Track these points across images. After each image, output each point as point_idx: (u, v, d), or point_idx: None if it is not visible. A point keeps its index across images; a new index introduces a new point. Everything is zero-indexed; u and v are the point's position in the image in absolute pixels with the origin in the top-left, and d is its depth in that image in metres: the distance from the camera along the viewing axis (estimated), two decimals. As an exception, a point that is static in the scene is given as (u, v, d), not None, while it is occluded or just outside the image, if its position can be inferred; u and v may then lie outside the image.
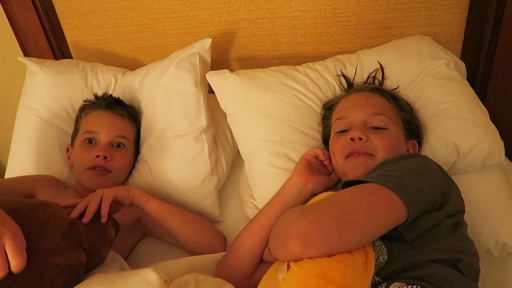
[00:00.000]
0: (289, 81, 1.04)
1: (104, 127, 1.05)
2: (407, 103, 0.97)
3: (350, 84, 1.04)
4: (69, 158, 1.12)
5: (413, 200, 0.65)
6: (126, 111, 1.09)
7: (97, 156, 1.01)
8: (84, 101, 1.12)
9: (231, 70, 1.10)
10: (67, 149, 1.13)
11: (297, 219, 0.61)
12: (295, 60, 1.24)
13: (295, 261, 0.61)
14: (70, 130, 1.16)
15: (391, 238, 0.69)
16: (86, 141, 1.05)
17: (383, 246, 0.69)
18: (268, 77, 1.05)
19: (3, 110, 1.56)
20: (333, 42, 1.21)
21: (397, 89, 1.00)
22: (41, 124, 1.17)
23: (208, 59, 1.13)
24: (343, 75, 1.05)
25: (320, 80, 1.06)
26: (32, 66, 1.20)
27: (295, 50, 1.25)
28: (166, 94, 1.09)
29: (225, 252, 0.92)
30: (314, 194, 0.90)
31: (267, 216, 0.88)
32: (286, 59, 1.26)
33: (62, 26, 1.35)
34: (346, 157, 0.86)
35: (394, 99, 0.94)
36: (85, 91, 1.19)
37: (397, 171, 0.71)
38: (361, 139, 0.84)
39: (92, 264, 0.75)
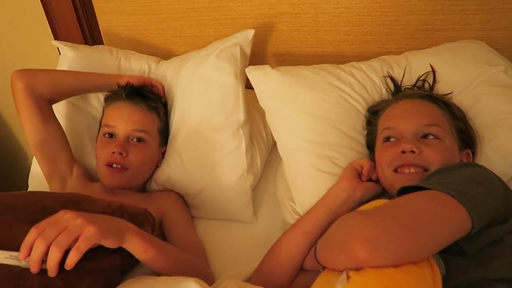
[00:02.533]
0: (334, 80, 1.00)
1: (122, 121, 1.01)
2: (461, 111, 0.92)
3: (398, 87, 1.00)
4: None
5: (477, 209, 0.62)
6: (145, 103, 1.04)
7: (114, 152, 0.97)
8: (108, 91, 1.10)
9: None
10: (97, 138, 1.10)
11: (363, 222, 0.58)
12: (336, 58, 1.20)
13: (356, 270, 0.57)
14: (100, 116, 1.13)
15: (447, 251, 0.65)
16: (106, 135, 1.02)
17: (440, 260, 0.66)
18: (312, 75, 1.01)
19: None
20: (378, 42, 1.17)
21: (450, 95, 0.96)
22: (71, 110, 1.14)
23: (248, 52, 1.10)
24: (391, 77, 1.01)
25: (366, 81, 1.02)
26: (66, 50, 1.18)
27: (336, 48, 1.21)
28: (204, 85, 1.05)
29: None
30: (361, 203, 0.87)
31: (311, 222, 0.85)
32: (326, 57, 1.23)
33: (95, 11, 1.33)
34: (395, 170, 0.83)
35: (447, 106, 0.90)
36: None
37: (456, 179, 0.68)
38: (413, 152, 0.81)
39: (129, 266, 0.72)
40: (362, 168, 0.90)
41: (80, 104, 1.16)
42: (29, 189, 1.16)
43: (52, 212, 0.64)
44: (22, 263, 0.61)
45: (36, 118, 1.00)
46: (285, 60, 1.26)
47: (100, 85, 1.10)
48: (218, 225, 1.07)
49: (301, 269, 0.86)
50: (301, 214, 0.93)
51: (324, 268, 0.72)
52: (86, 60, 1.16)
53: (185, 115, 1.07)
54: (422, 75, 1.00)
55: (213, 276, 0.88)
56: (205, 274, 0.85)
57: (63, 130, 1.06)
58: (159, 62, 1.23)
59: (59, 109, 1.14)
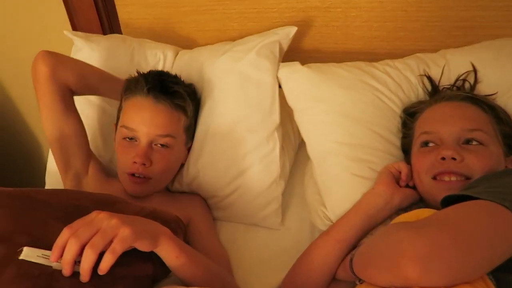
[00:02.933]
0: (369, 79, 0.95)
1: (144, 124, 0.89)
2: (506, 114, 0.87)
3: (436, 87, 0.95)
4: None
5: None
6: (171, 101, 0.91)
7: (135, 162, 0.89)
8: (127, 79, 0.98)
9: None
10: (115, 126, 1.00)
11: (413, 238, 0.54)
12: (365, 56, 1.14)
13: None
14: (112, 110, 1.08)
15: (499, 268, 0.60)
16: (126, 138, 0.92)
17: (491, 276, 0.61)
18: (344, 73, 0.96)
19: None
20: (412, 39, 1.11)
21: (494, 96, 0.91)
22: (82, 103, 1.08)
23: (285, 49, 1.05)
24: (428, 77, 0.96)
25: (402, 80, 0.97)
26: (78, 41, 1.14)
27: (367, 44, 1.16)
28: (242, 82, 0.99)
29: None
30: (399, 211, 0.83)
31: (346, 229, 0.80)
32: (355, 54, 1.17)
33: (115, 3, 1.29)
34: (434, 177, 0.78)
35: (491, 109, 0.85)
36: (131, 68, 1.07)
37: (508, 188, 0.63)
38: (454, 159, 0.76)
39: (160, 275, 0.68)
40: (399, 172, 0.85)
41: (93, 99, 1.10)
42: (46, 187, 1.13)
43: (86, 212, 0.61)
44: (54, 264, 0.58)
45: (58, 107, 0.92)
46: (311, 56, 1.21)
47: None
48: (243, 229, 1.02)
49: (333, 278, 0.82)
50: (333, 221, 0.88)
51: (361, 280, 0.68)
52: (98, 51, 1.11)
53: (216, 111, 1.01)
54: (462, 74, 0.94)
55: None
56: (231, 287, 0.81)
57: (83, 126, 0.99)
58: (177, 52, 1.17)
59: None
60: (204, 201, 1.04)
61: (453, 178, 0.76)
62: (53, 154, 0.98)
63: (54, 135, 0.95)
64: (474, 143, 0.78)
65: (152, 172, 0.91)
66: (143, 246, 0.61)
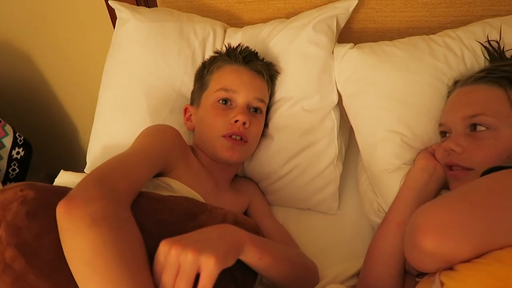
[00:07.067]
0: (425, 57, 0.90)
1: (244, 85, 0.93)
2: None
3: (500, 53, 0.86)
4: (188, 119, 1.01)
5: None
6: (266, 68, 0.98)
7: (236, 121, 0.90)
8: (215, 52, 1.02)
9: (346, 37, 0.99)
10: (186, 109, 1.03)
11: (426, 210, 0.55)
12: (428, 24, 1.08)
13: (447, 271, 0.54)
14: (162, 86, 1.06)
15: None
16: (221, 101, 0.93)
17: None
18: (398, 52, 0.92)
19: (91, 67, 1.52)
20: (484, 2, 1.02)
21: None
22: (130, 79, 1.06)
23: (342, 25, 1.02)
24: (489, 42, 0.88)
25: (465, 52, 0.90)
26: (123, 12, 1.10)
27: (429, 11, 1.08)
28: (301, 61, 1.00)
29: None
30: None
31: (402, 211, 0.82)
32: (417, 22, 1.10)
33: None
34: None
35: None
36: (180, 41, 1.08)
37: None
38: (454, 150, 0.76)
39: (248, 285, 0.70)
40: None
41: (142, 74, 1.06)
42: (87, 167, 1.08)
43: (171, 231, 0.61)
44: None
45: None
46: (365, 28, 1.14)
47: None
48: (296, 213, 1.05)
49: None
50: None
51: (418, 273, 0.69)
52: (146, 22, 1.07)
53: (278, 93, 1.03)
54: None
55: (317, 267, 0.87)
56: (315, 269, 0.84)
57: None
58: (225, 28, 1.16)
59: (119, 81, 1.07)
60: (256, 184, 1.07)
61: (455, 169, 0.77)
62: None
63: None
64: (482, 128, 0.74)
65: (249, 135, 0.93)
66: (229, 264, 0.60)
